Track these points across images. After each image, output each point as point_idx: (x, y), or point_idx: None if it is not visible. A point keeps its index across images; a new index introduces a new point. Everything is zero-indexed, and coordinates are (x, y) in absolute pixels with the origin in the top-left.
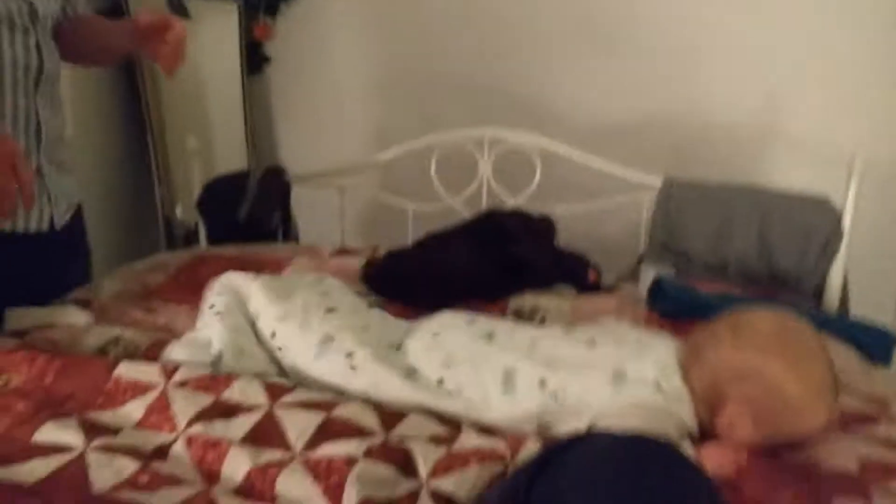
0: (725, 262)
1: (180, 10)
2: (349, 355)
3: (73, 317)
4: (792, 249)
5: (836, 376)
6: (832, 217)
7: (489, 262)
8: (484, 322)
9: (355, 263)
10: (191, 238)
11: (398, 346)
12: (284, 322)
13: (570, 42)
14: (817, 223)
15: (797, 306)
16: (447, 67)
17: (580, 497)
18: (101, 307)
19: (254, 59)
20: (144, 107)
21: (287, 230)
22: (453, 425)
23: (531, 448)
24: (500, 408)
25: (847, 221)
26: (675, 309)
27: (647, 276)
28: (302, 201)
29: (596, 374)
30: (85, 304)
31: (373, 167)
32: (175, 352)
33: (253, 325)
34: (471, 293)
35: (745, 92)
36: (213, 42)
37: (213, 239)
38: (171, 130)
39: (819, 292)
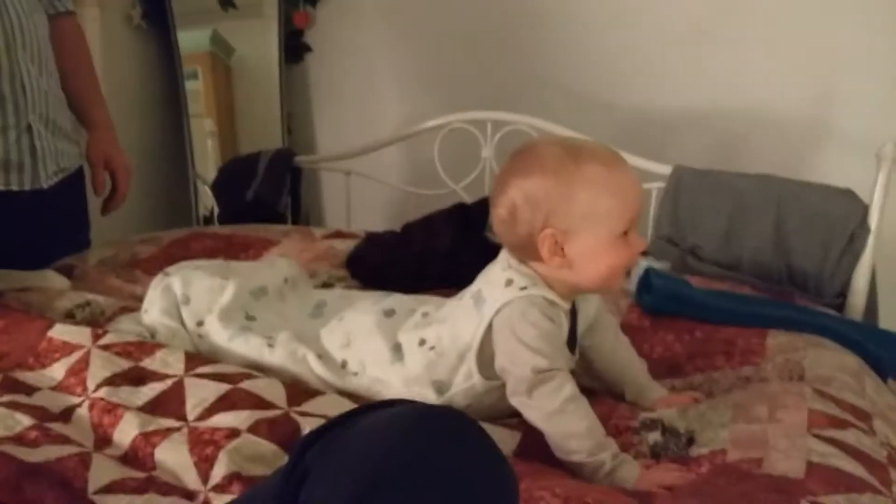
0: (738, 259)
1: None
2: (268, 337)
3: (50, 281)
4: (811, 246)
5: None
6: (857, 210)
7: (470, 247)
8: (392, 300)
9: (343, 247)
10: (210, 218)
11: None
12: (211, 314)
13: (606, 30)
14: (840, 217)
15: (814, 311)
16: (480, 57)
17: (346, 477)
18: (82, 273)
19: (294, 47)
20: (182, 93)
21: (297, 212)
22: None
23: None
24: (396, 377)
25: (875, 216)
26: (660, 304)
27: (639, 268)
28: (332, 186)
29: (460, 310)
30: (69, 269)
31: (376, 151)
32: (123, 322)
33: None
34: (447, 279)
35: (790, 84)
36: (254, 29)
37: (225, 218)
38: (209, 115)
39: (843, 296)
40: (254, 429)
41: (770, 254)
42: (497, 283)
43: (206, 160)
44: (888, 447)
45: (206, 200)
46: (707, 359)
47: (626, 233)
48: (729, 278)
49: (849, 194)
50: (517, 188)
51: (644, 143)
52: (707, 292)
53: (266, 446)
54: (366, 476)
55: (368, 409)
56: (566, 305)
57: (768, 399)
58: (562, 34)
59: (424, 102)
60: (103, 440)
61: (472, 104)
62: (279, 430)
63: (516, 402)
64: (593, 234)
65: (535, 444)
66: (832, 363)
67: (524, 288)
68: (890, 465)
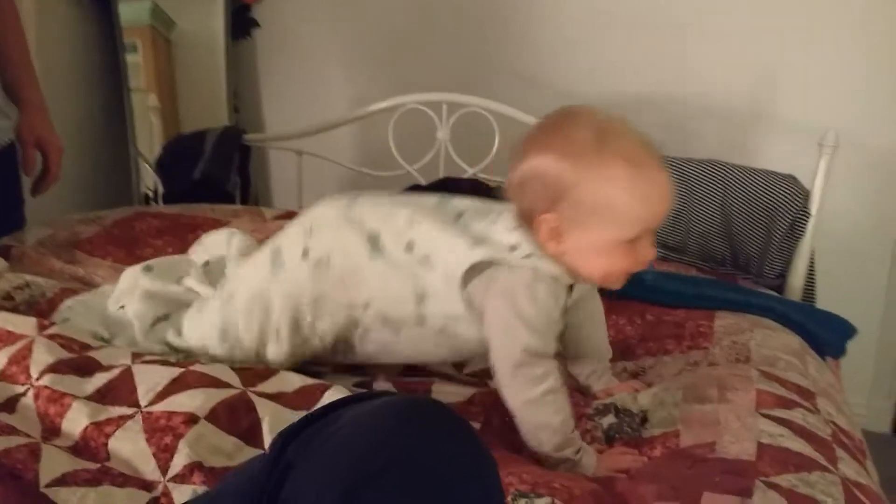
0: (685, 242)
1: None
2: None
3: None
4: (755, 229)
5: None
6: (799, 195)
7: None
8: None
9: None
10: (151, 197)
11: None
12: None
13: (557, 16)
14: (783, 202)
15: (757, 293)
16: (434, 36)
17: (328, 471)
18: (20, 254)
19: (241, 22)
20: (122, 66)
21: (246, 192)
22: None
23: None
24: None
25: (815, 201)
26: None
27: None
28: (280, 165)
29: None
30: (6, 250)
31: (329, 130)
32: (71, 305)
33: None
34: None
35: (735, 71)
36: (199, 2)
37: (170, 197)
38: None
39: (782, 277)
40: (212, 416)
41: (716, 237)
42: (502, 238)
43: (149, 137)
44: (832, 425)
45: (147, 179)
46: (658, 342)
47: (636, 238)
48: (676, 260)
49: (791, 180)
50: (534, 161)
51: None
52: (656, 274)
53: (226, 438)
54: (353, 472)
55: (350, 401)
56: (569, 280)
57: (717, 380)
58: (516, 20)
59: (377, 81)
60: (51, 430)
61: (426, 84)
62: (238, 419)
63: (498, 375)
64: (597, 233)
65: (496, 431)
66: (776, 344)
67: (529, 256)
68: (835, 442)
